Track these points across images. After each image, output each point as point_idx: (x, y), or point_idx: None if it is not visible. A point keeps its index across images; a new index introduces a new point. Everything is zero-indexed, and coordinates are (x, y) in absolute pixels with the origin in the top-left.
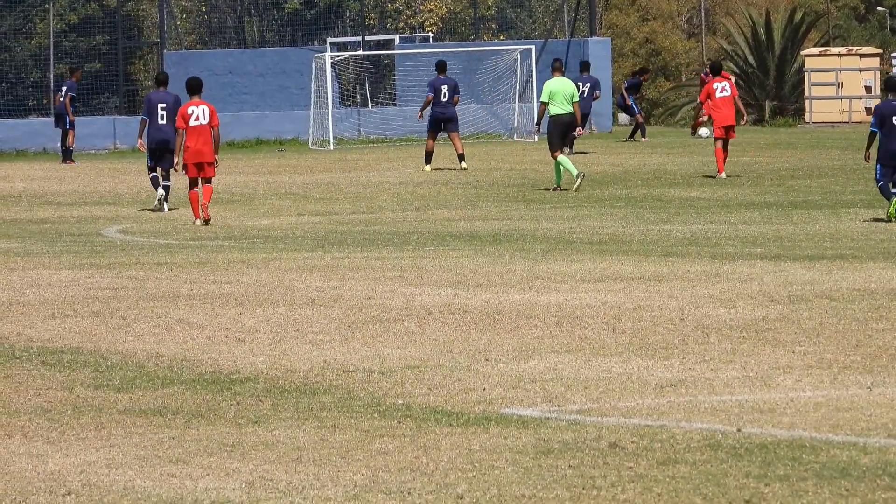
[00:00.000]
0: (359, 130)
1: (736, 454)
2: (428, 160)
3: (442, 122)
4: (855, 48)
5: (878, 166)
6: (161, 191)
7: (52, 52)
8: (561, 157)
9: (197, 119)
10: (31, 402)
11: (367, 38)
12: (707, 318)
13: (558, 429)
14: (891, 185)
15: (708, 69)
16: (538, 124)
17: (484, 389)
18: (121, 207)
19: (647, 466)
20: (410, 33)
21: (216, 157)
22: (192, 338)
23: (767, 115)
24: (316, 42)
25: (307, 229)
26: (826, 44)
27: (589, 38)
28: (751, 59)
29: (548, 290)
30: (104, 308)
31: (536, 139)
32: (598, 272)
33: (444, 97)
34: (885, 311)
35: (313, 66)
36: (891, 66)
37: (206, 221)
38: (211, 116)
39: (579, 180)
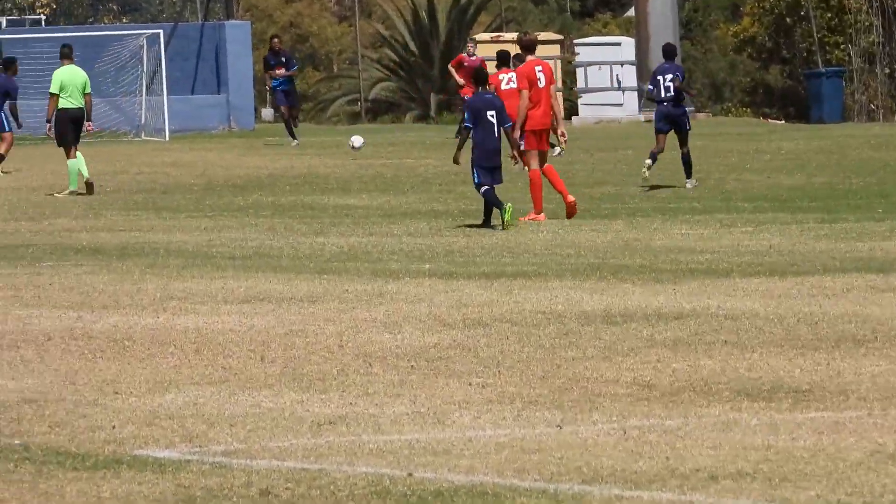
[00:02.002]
0: None
1: (407, 502)
2: None
3: None
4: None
5: (475, 169)
6: None
7: None
8: (71, 162)
9: None
10: None
11: None
12: (369, 344)
13: (201, 473)
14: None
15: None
16: (49, 120)
17: (114, 427)
18: None
19: None
20: (20, 15)
21: None
22: None
23: (433, 111)
24: None
25: None
26: (499, 28)
27: (226, 22)
28: (412, 45)
29: (185, 312)
30: None
31: (51, 135)
32: (243, 291)
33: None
34: (575, 336)
35: None
36: (573, 53)
37: None
38: None
39: (66, 193)
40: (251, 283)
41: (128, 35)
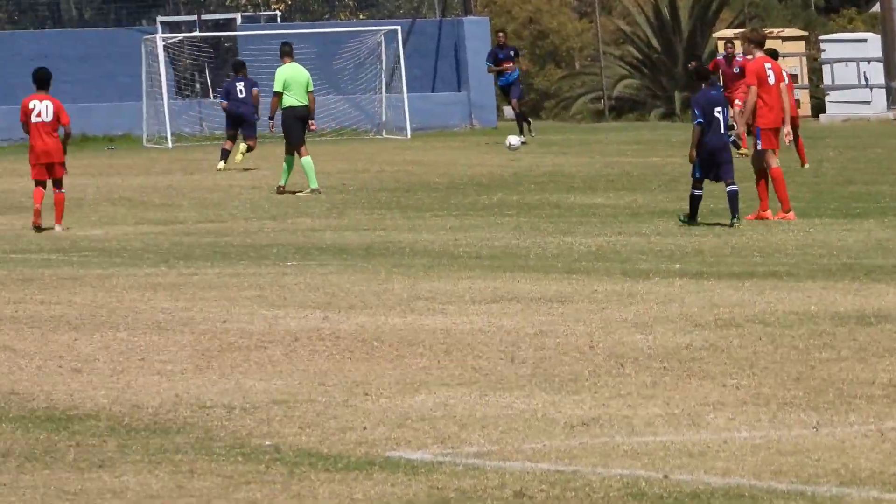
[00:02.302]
0: (200, 125)
1: None
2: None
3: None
4: (776, 30)
5: (698, 161)
6: None
7: None
8: (304, 160)
9: (39, 115)
10: None
11: (204, 17)
12: (621, 345)
13: (454, 475)
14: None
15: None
16: (271, 118)
17: (365, 429)
18: None
19: None
20: (254, 12)
21: (63, 154)
22: (19, 367)
23: (679, 109)
24: (144, 22)
25: (147, 241)
26: (741, 24)
27: (464, 18)
28: (655, 42)
29: (433, 312)
30: None
31: (274, 132)
32: (491, 291)
33: (242, 93)
34: (829, 337)
35: (143, 50)
36: (818, 50)
37: (39, 228)
38: (57, 114)
39: (308, 192)
40: (498, 283)
41: (365, 31)
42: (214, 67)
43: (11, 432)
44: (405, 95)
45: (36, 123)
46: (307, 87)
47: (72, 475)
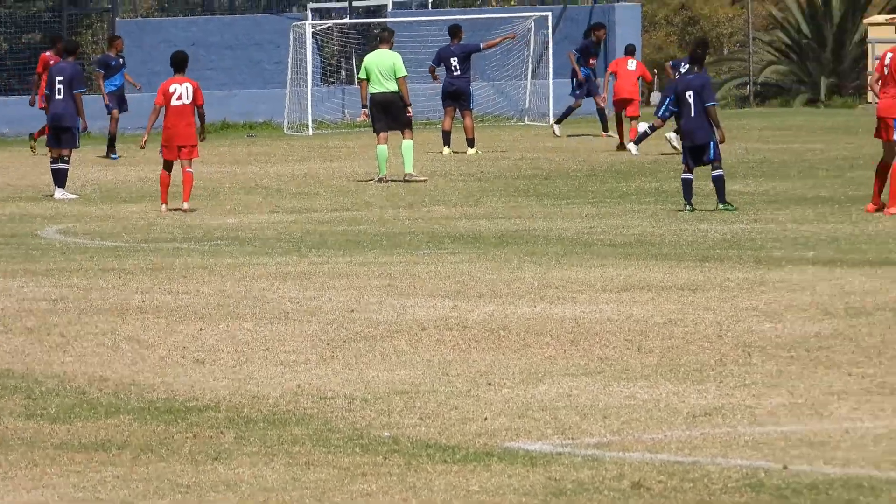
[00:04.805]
0: (343, 112)
1: (781, 495)
2: (446, 141)
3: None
4: None
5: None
6: (59, 193)
7: None
8: (379, 148)
9: (179, 98)
10: None
11: (355, 3)
12: (749, 334)
13: (572, 466)
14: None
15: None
16: (364, 106)
17: (485, 419)
18: (61, 204)
19: None
20: None
21: (201, 136)
22: (142, 358)
23: (823, 95)
24: (294, 8)
25: (280, 229)
26: (894, 10)
27: (616, 4)
28: (805, 28)
29: (562, 301)
30: (39, 323)
31: (359, 120)
32: (622, 280)
33: (455, 70)
34: None
35: (291, 37)
36: None
37: (167, 209)
38: (195, 95)
39: (376, 180)
40: (631, 271)
41: (515, 18)
42: (362, 54)
43: (129, 424)
44: (550, 82)
45: (176, 106)
46: (394, 73)
47: (186, 467)
